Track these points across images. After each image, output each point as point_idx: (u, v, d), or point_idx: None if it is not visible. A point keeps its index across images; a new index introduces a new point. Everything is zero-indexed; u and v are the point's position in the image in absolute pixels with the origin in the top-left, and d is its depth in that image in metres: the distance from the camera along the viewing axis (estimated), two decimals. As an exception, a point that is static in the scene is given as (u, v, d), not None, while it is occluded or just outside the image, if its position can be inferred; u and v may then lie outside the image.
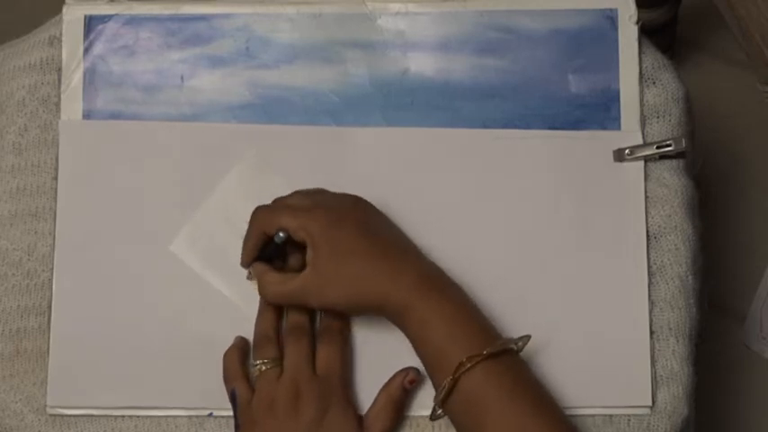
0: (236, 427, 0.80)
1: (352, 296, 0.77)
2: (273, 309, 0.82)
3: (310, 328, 0.81)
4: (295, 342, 0.80)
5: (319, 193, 0.82)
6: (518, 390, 0.74)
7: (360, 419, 0.80)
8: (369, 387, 0.81)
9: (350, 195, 0.81)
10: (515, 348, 0.76)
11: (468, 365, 0.74)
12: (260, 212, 0.81)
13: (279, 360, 0.80)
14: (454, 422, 0.76)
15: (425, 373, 0.79)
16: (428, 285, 0.77)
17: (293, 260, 0.82)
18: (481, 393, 0.74)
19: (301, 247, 0.79)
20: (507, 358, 0.76)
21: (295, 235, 0.79)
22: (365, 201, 0.81)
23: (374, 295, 0.77)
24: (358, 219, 0.79)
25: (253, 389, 0.80)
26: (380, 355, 0.82)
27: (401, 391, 0.80)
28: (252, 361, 0.81)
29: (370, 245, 0.78)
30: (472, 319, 0.77)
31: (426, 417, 0.82)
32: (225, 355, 0.82)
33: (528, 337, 0.77)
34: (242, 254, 0.82)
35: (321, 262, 0.77)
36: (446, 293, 0.77)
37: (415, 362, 0.79)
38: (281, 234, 0.79)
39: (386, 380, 0.81)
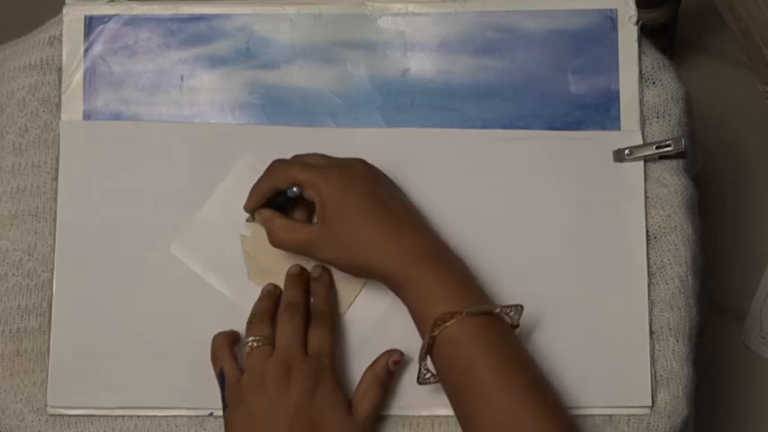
0: (224, 407, 0.80)
1: (354, 259, 0.79)
2: (273, 297, 0.83)
3: (305, 310, 0.82)
4: (289, 319, 0.80)
5: (334, 158, 0.82)
6: (508, 362, 0.74)
7: (349, 400, 0.80)
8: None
9: (361, 160, 0.82)
10: (500, 313, 0.76)
11: (447, 324, 0.74)
12: (276, 166, 0.82)
13: (271, 339, 0.80)
14: (445, 391, 0.77)
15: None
16: (429, 257, 0.78)
17: (298, 214, 0.83)
18: (463, 356, 0.74)
19: (308, 203, 0.81)
20: (493, 325, 0.76)
21: (306, 192, 0.80)
22: (375, 167, 0.82)
23: (374, 262, 0.78)
24: (368, 183, 0.80)
25: (241, 370, 0.80)
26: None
27: (386, 372, 0.81)
28: (244, 339, 0.81)
29: (377, 211, 0.79)
30: (470, 291, 0.77)
31: (426, 417, 0.82)
32: (213, 338, 0.82)
33: (520, 308, 0.77)
34: (248, 199, 0.83)
35: (329, 221, 0.78)
36: (446, 266, 0.78)
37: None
38: (294, 189, 0.80)
39: None
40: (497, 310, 0.76)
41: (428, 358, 0.77)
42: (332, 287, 0.84)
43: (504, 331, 0.76)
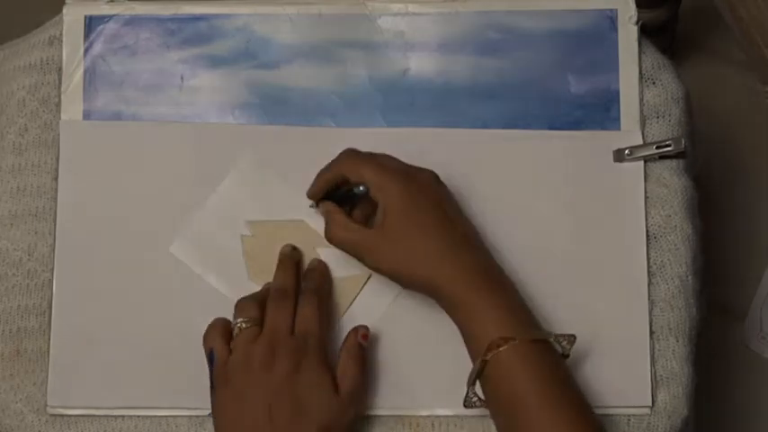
0: (211, 389, 0.79)
1: (405, 272, 0.78)
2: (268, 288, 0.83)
3: (295, 293, 0.81)
4: (278, 301, 0.80)
5: (406, 164, 0.81)
6: (557, 392, 0.74)
7: (334, 379, 0.79)
8: None
9: (432, 172, 0.81)
10: (552, 342, 0.76)
11: (500, 349, 0.74)
12: (349, 156, 0.81)
13: (258, 320, 0.80)
14: (491, 415, 0.76)
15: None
16: (485, 280, 0.77)
17: (357, 213, 0.82)
18: (513, 383, 0.74)
19: (369, 204, 0.80)
20: (545, 353, 0.75)
21: (372, 192, 0.79)
22: (443, 183, 0.81)
23: (429, 279, 0.77)
24: (436, 197, 0.79)
25: (231, 351, 0.79)
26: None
27: (358, 348, 0.81)
28: (233, 321, 0.81)
29: (440, 227, 0.78)
30: (523, 317, 0.77)
31: (426, 417, 0.82)
32: (210, 323, 0.81)
33: (573, 337, 0.77)
34: (312, 184, 0.82)
35: (388, 228, 0.78)
36: (501, 290, 0.77)
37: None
38: (361, 188, 0.79)
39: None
40: (551, 339, 0.76)
41: (476, 382, 0.76)
42: (326, 272, 0.83)
43: (554, 360, 0.76)
